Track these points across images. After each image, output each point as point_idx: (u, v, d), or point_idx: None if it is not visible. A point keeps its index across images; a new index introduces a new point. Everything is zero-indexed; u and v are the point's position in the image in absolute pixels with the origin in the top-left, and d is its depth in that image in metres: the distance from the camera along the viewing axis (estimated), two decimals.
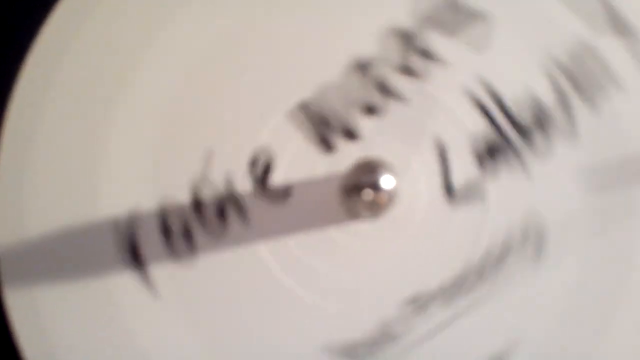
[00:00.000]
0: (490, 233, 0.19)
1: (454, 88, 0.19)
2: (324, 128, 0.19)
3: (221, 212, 0.19)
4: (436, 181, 0.19)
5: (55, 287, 0.19)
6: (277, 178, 0.19)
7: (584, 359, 0.19)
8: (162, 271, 0.19)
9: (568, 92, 0.19)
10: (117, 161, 0.19)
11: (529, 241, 0.19)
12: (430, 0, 0.20)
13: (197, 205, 0.19)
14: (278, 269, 0.19)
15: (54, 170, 0.19)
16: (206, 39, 0.19)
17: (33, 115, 0.19)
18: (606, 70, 0.19)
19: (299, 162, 0.19)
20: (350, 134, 0.19)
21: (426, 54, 0.20)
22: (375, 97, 0.19)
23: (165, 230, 0.19)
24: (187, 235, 0.19)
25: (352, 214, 0.18)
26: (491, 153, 0.19)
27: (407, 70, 0.20)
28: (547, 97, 0.19)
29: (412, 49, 0.20)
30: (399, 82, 0.19)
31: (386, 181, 0.18)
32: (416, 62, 0.20)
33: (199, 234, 0.19)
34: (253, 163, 0.19)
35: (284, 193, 0.19)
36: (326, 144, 0.19)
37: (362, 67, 0.19)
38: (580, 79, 0.19)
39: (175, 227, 0.19)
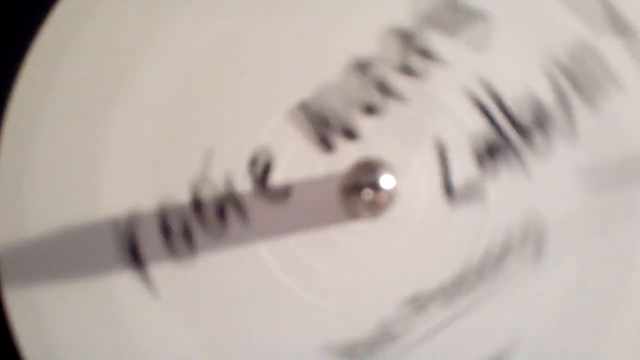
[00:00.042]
0: (490, 233, 0.19)
1: (454, 88, 0.19)
2: (324, 128, 0.19)
3: (221, 212, 0.19)
4: (436, 181, 0.19)
5: (55, 287, 0.19)
6: (277, 178, 0.19)
7: (584, 359, 0.18)
8: (162, 271, 0.19)
9: (568, 92, 0.19)
10: (117, 161, 0.19)
11: (529, 241, 0.19)
12: (430, 0, 0.20)
13: (197, 205, 0.19)
14: (278, 269, 0.19)
15: (53, 170, 0.19)
16: (206, 39, 0.19)
17: (33, 115, 0.19)
18: (606, 70, 0.19)
19: (299, 162, 0.19)
20: (350, 134, 0.19)
21: (426, 54, 0.20)
22: (375, 97, 0.19)
23: (165, 230, 0.19)
24: (187, 235, 0.19)
25: (352, 214, 0.18)
26: (491, 153, 0.19)
27: (407, 70, 0.20)
28: (547, 97, 0.19)
29: (412, 49, 0.20)
30: (399, 82, 0.19)
31: (386, 181, 0.18)
32: (416, 62, 0.20)
33: (199, 234, 0.19)
34: (253, 163, 0.19)
35: (284, 193, 0.19)
36: (326, 144, 0.19)
37: (362, 67, 0.19)
38: (580, 79, 0.19)
39: (175, 227, 0.19)
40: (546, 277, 0.19)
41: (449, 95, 0.19)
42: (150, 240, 0.19)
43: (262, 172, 0.19)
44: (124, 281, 0.19)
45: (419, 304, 0.19)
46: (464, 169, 0.19)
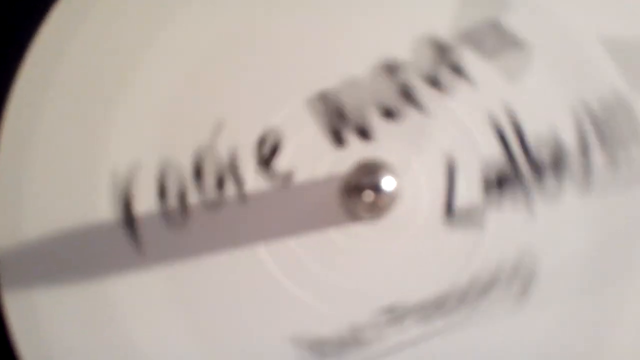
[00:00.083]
0: (481, 261, 0.19)
1: (477, 110, 0.19)
2: (339, 121, 0.19)
3: (220, 184, 0.19)
4: (437, 197, 0.19)
5: (54, 289, 0.19)
6: (282, 162, 0.19)
7: None
8: (152, 231, 0.19)
9: (591, 141, 0.19)
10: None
11: (518, 279, 0.19)
12: (474, 18, 0.19)
13: (198, 171, 0.19)
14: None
15: (52, 171, 0.19)
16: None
17: (31, 115, 0.19)
18: (635, 129, 0.19)
19: (307, 150, 0.19)
20: (364, 133, 0.19)
21: (457, 70, 0.19)
22: (397, 102, 0.19)
23: (162, 191, 0.19)
24: (182, 199, 0.19)
25: (353, 216, 0.18)
26: (500, 183, 0.19)
27: (435, 82, 0.19)
28: (569, 141, 0.19)
29: (444, 62, 0.19)
30: (423, 91, 0.19)
31: (387, 183, 0.17)
32: (445, 75, 0.19)
33: (193, 200, 0.19)
34: (261, 142, 0.19)
35: (285, 178, 0.19)
36: (337, 138, 0.19)
37: (391, 69, 0.19)
38: (606, 131, 0.19)
39: (172, 189, 0.19)
40: (525, 319, 0.19)
41: (470, 115, 0.19)
42: (145, 198, 0.19)
43: (268, 153, 0.19)
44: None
45: (395, 315, 0.19)
46: (469, 192, 0.19)
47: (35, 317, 0.19)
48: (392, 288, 0.19)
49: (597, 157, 0.19)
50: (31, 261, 0.19)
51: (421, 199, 0.19)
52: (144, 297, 0.19)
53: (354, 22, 0.19)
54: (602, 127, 0.19)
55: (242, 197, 0.19)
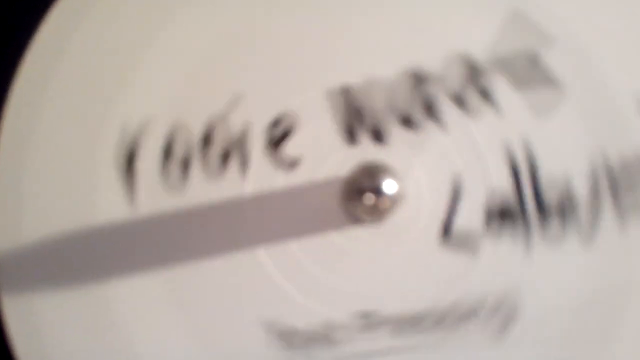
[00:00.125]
0: (466, 287, 0.19)
1: (496, 138, 0.19)
2: (356, 120, 0.19)
3: (225, 156, 0.19)
4: (438, 209, 0.18)
5: (53, 293, 0.19)
6: (291, 147, 0.19)
7: None
8: (149, 188, 0.19)
9: (604, 196, 0.18)
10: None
11: (499, 315, 0.19)
12: (513, 46, 0.19)
13: (207, 140, 0.19)
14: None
15: (52, 170, 0.19)
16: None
17: (31, 114, 0.19)
18: None
19: (318, 141, 0.19)
20: (378, 136, 0.19)
21: (485, 94, 0.19)
22: (418, 113, 0.19)
23: (167, 151, 0.19)
24: (185, 164, 0.19)
25: (354, 218, 0.18)
26: (502, 215, 0.18)
27: (460, 101, 0.19)
28: (581, 191, 0.18)
29: (474, 83, 0.19)
30: (446, 108, 0.19)
31: (388, 186, 0.17)
32: (472, 97, 0.19)
33: (196, 167, 0.19)
34: (274, 123, 0.19)
35: (291, 164, 0.19)
36: (351, 136, 0.19)
37: (418, 79, 0.19)
38: (621, 189, 0.18)
39: (178, 152, 0.19)
40: (498, 357, 0.19)
41: (488, 142, 0.19)
42: (149, 156, 0.19)
43: (279, 135, 0.19)
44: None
45: (370, 321, 0.19)
46: (469, 217, 0.18)
47: (34, 320, 0.19)
48: (375, 294, 0.19)
49: (607, 212, 0.18)
50: (31, 264, 0.19)
51: (422, 209, 0.19)
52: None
53: (396, 27, 0.19)
54: (618, 183, 0.18)
55: (244, 174, 0.19)
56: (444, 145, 0.19)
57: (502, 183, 0.19)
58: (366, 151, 0.19)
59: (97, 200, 0.19)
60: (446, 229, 0.19)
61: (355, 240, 0.19)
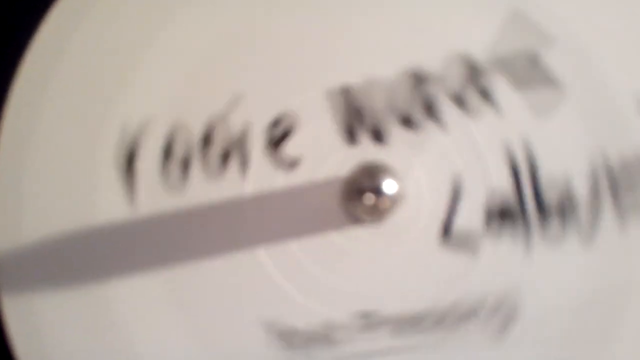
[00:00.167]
0: (466, 287, 0.18)
1: (496, 138, 0.19)
2: (356, 120, 0.19)
3: (225, 156, 0.19)
4: (438, 209, 0.18)
5: (54, 293, 0.19)
6: (290, 147, 0.19)
7: None
8: (149, 188, 0.19)
9: (603, 195, 0.18)
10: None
11: (499, 315, 0.19)
12: (513, 46, 0.19)
13: (207, 140, 0.19)
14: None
15: (52, 172, 0.19)
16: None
17: (31, 114, 0.19)
18: None
19: (318, 141, 0.19)
20: (378, 136, 0.19)
21: (485, 94, 0.19)
22: (418, 113, 0.19)
23: (167, 151, 0.19)
24: (185, 164, 0.19)
25: (354, 219, 0.18)
26: (502, 215, 0.18)
27: (459, 101, 0.19)
28: (581, 190, 0.18)
29: (474, 83, 0.19)
30: (446, 108, 0.19)
31: (388, 186, 0.17)
32: (472, 97, 0.19)
33: (196, 167, 0.19)
34: (274, 123, 0.19)
35: (291, 163, 0.19)
36: (351, 135, 0.19)
37: (418, 79, 0.19)
38: (622, 189, 0.18)
39: (178, 152, 0.19)
40: (499, 357, 0.19)
41: (488, 142, 0.19)
42: (149, 156, 0.19)
43: (279, 135, 0.19)
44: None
45: (370, 321, 0.19)
46: (469, 217, 0.18)
47: (34, 320, 0.19)
48: (375, 294, 0.19)
49: (607, 212, 0.18)
50: (31, 264, 0.19)
51: (422, 209, 0.19)
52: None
53: (397, 26, 0.19)
54: (618, 183, 0.18)
55: (244, 174, 0.19)
56: (444, 145, 0.19)
57: (502, 183, 0.19)
58: (366, 151, 0.19)
59: (97, 200, 0.19)
60: (446, 229, 0.19)
61: (355, 240, 0.19)
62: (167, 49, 0.19)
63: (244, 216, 0.19)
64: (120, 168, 0.19)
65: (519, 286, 0.18)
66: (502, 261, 0.19)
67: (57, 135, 0.19)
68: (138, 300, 0.19)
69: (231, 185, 0.19)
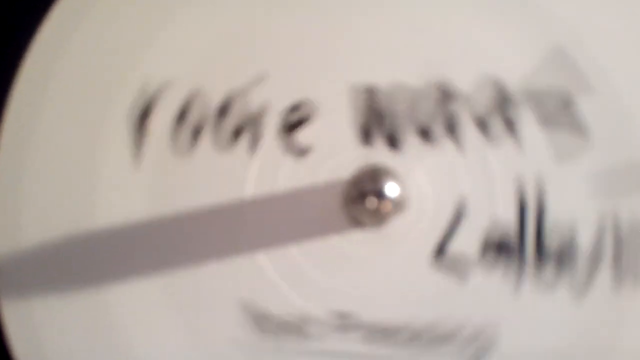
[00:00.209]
0: (448, 312, 0.18)
1: (510, 170, 0.18)
2: (375, 121, 0.18)
3: (238, 132, 0.19)
4: (434, 231, 0.18)
5: (53, 297, 0.19)
6: (304, 136, 0.19)
7: None
8: (157, 148, 0.19)
9: (605, 255, 0.18)
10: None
11: (474, 345, 0.18)
12: (549, 82, 0.18)
13: (223, 111, 0.19)
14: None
15: (52, 171, 0.19)
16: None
17: (32, 115, 0.19)
18: None
19: (332, 134, 0.18)
20: (393, 142, 0.18)
21: (509, 124, 0.18)
22: (437, 127, 0.18)
23: (181, 115, 0.19)
24: (197, 131, 0.19)
25: (355, 222, 0.18)
26: (499, 248, 0.18)
27: (482, 126, 0.18)
28: (584, 244, 0.18)
29: (501, 111, 0.18)
30: (467, 129, 0.18)
31: (390, 189, 0.17)
32: (496, 124, 0.18)
33: (207, 136, 0.19)
34: (293, 108, 0.19)
35: (300, 151, 0.19)
36: (366, 136, 0.19)
37: (446, 95, 0.18)
38: (625, 252, 0.18)
39: (191, 118, 0.19)
40: None
41: (501, 172, 0.18)
42: (164, 116, 0.19)
43: (295, 120, 0.19)
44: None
45: (345, 322, 0.19)
46: (466, 242, 0.18)
47: (33, 324, 0.19)
48: (356, 297, 0.19)
49: (605, 271, 0.18)
50: (30, 268, 0.19)
51: (421, 223, 0.18)
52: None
53: (441, 42, 0.18)
54: (623, 246, 0.18)
55: (253, 153, 0.19)
56: (456, 165, 0.18)
57: (507, 216, 0.18)
58: (378, 154, 0.19)
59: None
60: (441, 249, 0.18)
61: (349, 242, 0.19)
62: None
63: (244, 219, 0.19)
64: (133, 125, 0.19)
65: (500, 322, 0.18)
66: (489, 293, 0.18)
67: (57, 135, 0.19)
68: (137, 304, 0.19)
69: (237, 161, 0.19)
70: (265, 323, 0.19)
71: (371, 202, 0.17)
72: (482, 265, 0.18)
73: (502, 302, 0.18)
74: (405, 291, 0.18)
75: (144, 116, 0.19)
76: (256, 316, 0.19)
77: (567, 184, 0.18)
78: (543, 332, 0.18)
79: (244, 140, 0.19)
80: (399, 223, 0.18)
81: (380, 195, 0.17)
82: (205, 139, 0.19)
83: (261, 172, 0.19)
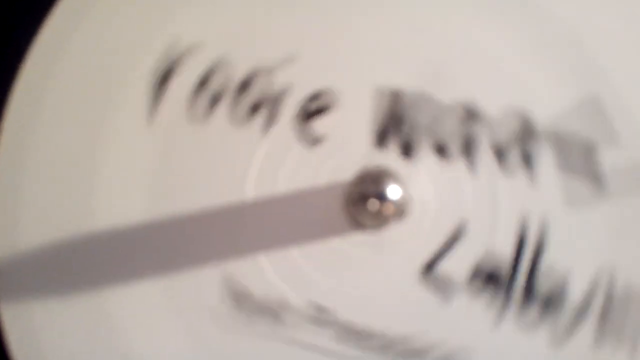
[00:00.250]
0: (424, 328, 0.18)
1: (517, 204, 0.18)
2: (393, 126, 0.18)
3: (256, 107, 0.19)
4: (428, 247, 0.18)
5: (52, 300, 0.18)
6: (320, 124, 0.18)
7: None
8: (172, 111, 0.19)
9: (592, 311, 0.18)
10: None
11: None
12: (576, 126, 0.18)
13: (244, 85, 0.19)
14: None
15: (52, 171, 0.18)
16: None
17: (32, 115, 0.18)
18: (637, 332, 0.17)
19: (347, 130, 0.18)
20: (407, 150, 0.18)
21: (527, 159, 0.18)
22: (454, 145, 0.18)
23: (203, 82, 0.19)
24: (215, 99, 0.19)
25: (357, 224, 0.18)
26: (488, 279, 0.18)
27: (500, 154, 0.18)
28: (574, 295, 0.18)
29: (521, 144, 0.18)
30: (484, 154, 0.18)
31: (392, 192, 0.17)
32: (513, 155, 0.18)
33: (224, 107, 0.19)
34: (313, 96, 0.18)
35: (312, 140, 0.18)
36: (382, 139, 0.18)
37: (470, 115, 0.18)
38: (612, 313, 0.18)
39: (212, 86, 0.19)
40: None
41: (508, 204, 0.18)
42: (186, 78, 0.19)
43: (313, 109, 0.18)
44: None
45: (321, 316, 0.19)
46: (457, 265, 0.18)
47: (33, 327, 0.19)
48: (338, 294, 0.19)
49: (588, 326, 0.18)
50: (29, 270, 0.18)
51: (417, 236, 0.18)
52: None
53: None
54: (611, 307, 0.18)
55: (265, 133, 0.18)
56: (464, 186, 0.18)
57: (503, 249, 0.18)
58: (388, 159, 0.18)
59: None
60: (430, 266, 0.18)
61: (343, 240, 0.19)
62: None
63: (244, 221, 0.18)
64: (154, 82, 0.19)
65: (474, 350, 0.18)
66: (469, 320, 0.18)
67: (57, 135, 0.19)
68: (137, 307, 0.19)
69: (249, 138, 0.19)
70: (243, 301, 0.19)
71: (373, 204, 0.17)
72: (467, 290, 0.18)
73: (480, 331, 0.18)
74: (388, 300, 0.18)
75: (166, 76, 0.19)
76: (236, 294, 0.19)
77: (571, 232, 0.18)
78: None
79: (260, 118, 0.19)
80: (395, 231, 0.18)
81: (382, 197, 0.17)
82: (222, 109, 0.19)
83: (270, 153, 0.19)
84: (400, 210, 0.17)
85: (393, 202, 0.17)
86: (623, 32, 0.18)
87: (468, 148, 0.18)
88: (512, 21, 0.18)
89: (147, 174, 0.19)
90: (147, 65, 0.19)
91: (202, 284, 0.19)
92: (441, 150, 0.18)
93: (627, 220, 0.18)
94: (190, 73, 0.19)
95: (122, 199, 0.19)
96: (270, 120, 0.19)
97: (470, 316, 0.18)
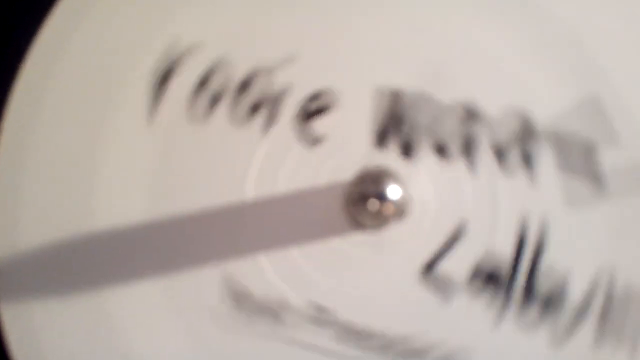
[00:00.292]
0: (424, 328, 0.18)
1: (517, 204, 0.18)
2: (393, 126, 0.18)
3: (255, 108, 0.19)
4: (428, 247, 0.18)
5: (52, 300, 0.18)
6: (319, 125, 0.18)
7: None
8: (171, 111, 0.19)
9: (592, 311, 0.18)
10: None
11: None
12: (576, 127, 0.18)
13: (245, 85, 0.19)
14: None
15: (52, 173, 0.18)
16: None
17: (32, 115, 0.18)
18: (637, 331, 0.17)
19: (347, 130, 0.18)
20: (407, 150, 0.18)
21: (527, 159, 0.18)
22: (454, 145, 0.18)
23: (203, 82, 0.19)
24: (215, 100, 0.19)
25: (357, 224, 0.18)
26: (488, 279, 0.18)
27: (500, 154, 0.18)
28: (574, 295, 0.18)
29: (521, 144, 0.18)
30: (484, 154, 0.18)
31: (392, 191, 0.17)
32: (514, 156, 0.18)
33: (223, 107, 0.19)
34: (313, 96, 0.18)
35: (312, 140, 0.18)
36: (382, 139, 0.18)
37: (470, 115, 0.18)
38: (612, 314, 0.17)
39: (212, 86, 0.19)
40: None
41: (508, 205, 0.18)
42: (185, 78, 0.19)
43: (313, 109, 0.18)
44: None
45: (322, 316, 0.19)
46: (457, 265, 0.18)
47: (33, 327, 0.19)
48: (338, 294, 0.19)
49: (588, 326, 0.18)
50: (29, 271, 0.18)
51: (417, 236, 0.18)
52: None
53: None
54: (611, 307, 0.18)
55: (265, 133, 0.18)
56: (464, 186, 0.18)
57: (503, 249, 0.18)
58: (388, 159, 0.18)
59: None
60: (430, 266, 0.18)
61: (343, 240, 0.19)
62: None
63: (244, 221, 0.18)
64: (154, 82, 0.19)
65: (474, 350, 0.18)
66: (469, 320, 0.18)
67: (57, 135, 0.19)
68: (137, 307, 0.19)
69: (249, 138, 0.19)
70: (242, 302, 0.19)
71: (373, 204, 0.17)
72: (467, 291, 0.18)
73: (480, 331, 0.18)
74: (388, 300, 0.18)
75: (166, 76, 0.19)
76: (236, 293, 0.19)
77: (571, 232, 0.18)
78: None
79: (260, 118, 0.19)
80: (395, 232, 0.18)
81: (382, 197, 0.17)
82: (222, 109, 0.19)
83: (270, 153, 0.19)
84: (400, 210, 0.17)
85: (393, 202, 0.17)
86: (623, 32, 0.18)
87: (468, 148, 0.18)
88: (512, 21, 0.18)
89: (147, 174, 0.19)
90: (147, 65, 0.19)
91: (202, 284, 0.18)
92: (441, 150, 0.18)
93: (627, 220, 0.18)
94: (190, 73, 0.19)
95: (122, 199, 0.19)
96: (270, 120, 0.19)
97: (470, 316, 0.18)
